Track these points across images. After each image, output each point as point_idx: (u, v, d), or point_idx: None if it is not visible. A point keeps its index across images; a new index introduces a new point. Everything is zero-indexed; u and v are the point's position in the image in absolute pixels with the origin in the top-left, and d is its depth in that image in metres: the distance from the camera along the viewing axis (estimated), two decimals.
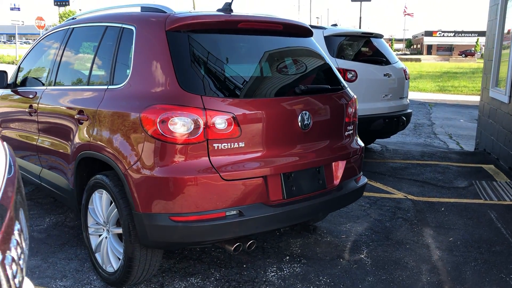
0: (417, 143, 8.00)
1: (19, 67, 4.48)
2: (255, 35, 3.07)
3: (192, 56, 2.75)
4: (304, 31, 3.37)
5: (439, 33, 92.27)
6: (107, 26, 3.26)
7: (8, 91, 4.47)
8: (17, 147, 4.31)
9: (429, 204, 4.68)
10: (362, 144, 3.50)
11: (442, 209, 4.51)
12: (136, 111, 2.68)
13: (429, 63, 45.94)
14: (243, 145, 2.67)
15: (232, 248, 2.74)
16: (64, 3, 47.33)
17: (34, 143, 3.91)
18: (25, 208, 1.18)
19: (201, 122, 2.55)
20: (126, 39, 3.02)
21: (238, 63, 3.01)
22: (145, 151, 2.61)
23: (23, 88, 4.25)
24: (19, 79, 4.40)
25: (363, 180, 3.44)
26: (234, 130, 2.63)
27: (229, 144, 2.62)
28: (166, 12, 2.92)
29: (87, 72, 3.38)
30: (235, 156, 2.65)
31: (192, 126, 2.55)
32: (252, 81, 2.93)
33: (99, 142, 2.93)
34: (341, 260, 3.43)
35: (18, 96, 4.24)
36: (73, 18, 3.88)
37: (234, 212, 2.62)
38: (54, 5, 47.25)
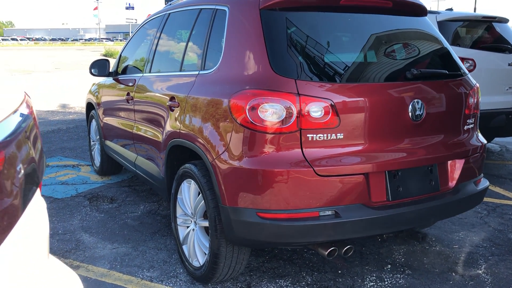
0: None
1: (120, 55, 4.56)
2: (360, 13, 2.72)
3: (287, 36, 2.48)
4: (417, 10, 2.94)
5: None
6: (201, 9, 3.11)
7: (110, 80, 4.58)
8: (117, 135, 4.39)
9: None
10: (484, 141, 2.97)
11: None
12: (225, 97, 2.49)
13: None
14: (342, 136, 2.34)
15: (326, 253, 2.43)
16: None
17: (130, 130, 3.93)
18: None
19: (294, 110, 2.28)
20: (219, 20, 2.83)
21: (339, 44, 2.67)
22: (233, 140, 2.40)
23: (123, 76, 4.30)
24: (120, 67, 4.48)
25: (484, 183, 2.92)
26: (331, 119, 2.31)
27: (325, 135, 2.31)
28: None
29: (180, 58, 3.27)
30: (332, 149, 2.33)
31: (284, 114, 2.28)
32: (354, 65, 2.58)
33: (188, 130, 2.79)
34: (453, 274, 2.95)
35: (119, 84, 4.31)
36: (170, 4, 3.81)
37: (329, 213, 2.31)
38: (165, 3, 50.08)
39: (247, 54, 2.50)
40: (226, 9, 2.76)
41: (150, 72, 3.69)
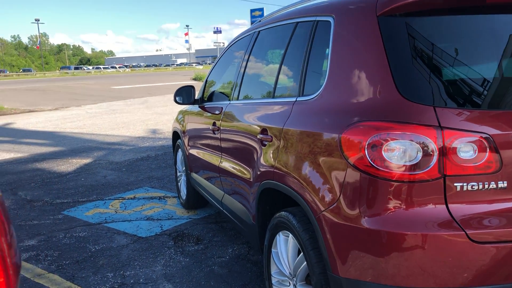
0: None
1: (206, 80, 4.20)
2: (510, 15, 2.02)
3: (416, 50, 1.86)
4: None
5: None
6: (297, 23, 2.59)
7: (196, 107, 4.23)
8: (202, 167, 4.00)
9: None
10: None
11: None
12: (334, 130, 1.92)
13: None
14: (505, 185, 1.66)
15: None
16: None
17: (217, 164, 3.49)
18: None
19: (435, 149, 1.64)
20: (321, 35, 2.29)
21: (486, 57, 1.99)
22: (346, 189, 1.82)
23: (209, 104, 3.92)
24: (206, 94, 4.11)
25: None
26: (489, 161, 1.65)
27: (480, 183, 1.65)
28: None
29: (272, 82, 2.76)
30: (491, 204, 1.66)
31: (420, 154, 1.66)
32: (510, 84, 1.89)
33: (284, 171, 2.25)
34: None
35: (205, 112, 3.92)
36: (259, 20, 3.35)
37: None
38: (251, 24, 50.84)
39: (362, 74, 1.92)
40: (331, 20, 2.20)
41: (238, 99, 3.23)
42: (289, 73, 2.61)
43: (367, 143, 1.73)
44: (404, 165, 1.68)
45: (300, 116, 2.25)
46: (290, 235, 2.27)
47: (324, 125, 2.02)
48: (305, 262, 2.12)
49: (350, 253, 1.81)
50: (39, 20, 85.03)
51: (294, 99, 2.37)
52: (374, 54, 1.88)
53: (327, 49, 2.18)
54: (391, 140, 1.69)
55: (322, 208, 1.91)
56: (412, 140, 1.67)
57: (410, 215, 1.67)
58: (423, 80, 1.78)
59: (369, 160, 1.73)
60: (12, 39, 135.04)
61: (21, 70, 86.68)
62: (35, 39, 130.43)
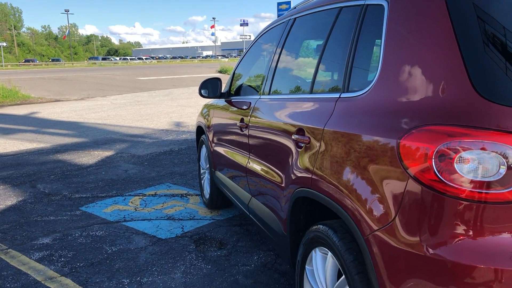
0: None
1: (233, 73, 3.90)
2: None
3: (493, 38, 1.52)
4: None
5: None
6: (341, 8, 2.26)
7: (222, 101, 3.94)
8: (228, 167, 3.71)
9: None
10: None
11: None
12: (389, 135, 1.59)
13: None
14: None
15: None
16: None
17: (244, 165, 3.20)
18: None
19: None
20: (371, 21, 1.96)
21: None
22: (404, 206, 1.50)
23: (236, 98, 3.62)
24: (233, 87, 3.81)
25: None
26: None
27: None
28: None
29: (310, 75, 2.44)
30: None
31: (504, 169, 1.32)
32: None
33: (324, 178, 1.94)
34: None
35: (231, 107, 3.63)
36: (295, 7, 3.02)
37: None
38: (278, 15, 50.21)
39: (425, 67, 1.59)
40: (384, 3, 1.87)
41: (269, 93, 2.92)
42: (331, 66, 2.28)
43: (435, 151, 1.40)
44: (480, 181, 1.34)
45: (346, 115, 1.93)
46: (329, 253, 1.96)
47: (377, 127, 1.69)
48: (347, 287, 1.81)
49: (407, 284, 1.49)
50: (68, 11, 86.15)
51: (337, 95, 2.05)
52: (442, 43, 1.54)
53: (380, 38, 1.85)
54: (465, 150, 1.36)
55: (374, 228, 1.59)
56: (493, 151, 1.33)
57: (488, 244, 1.34)
58: (505, 75, 1.44)
59: (436, 172, 1.40)
60: (43, 29, 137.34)
61: (50, 60, 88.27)
62: (64, 29, 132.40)
